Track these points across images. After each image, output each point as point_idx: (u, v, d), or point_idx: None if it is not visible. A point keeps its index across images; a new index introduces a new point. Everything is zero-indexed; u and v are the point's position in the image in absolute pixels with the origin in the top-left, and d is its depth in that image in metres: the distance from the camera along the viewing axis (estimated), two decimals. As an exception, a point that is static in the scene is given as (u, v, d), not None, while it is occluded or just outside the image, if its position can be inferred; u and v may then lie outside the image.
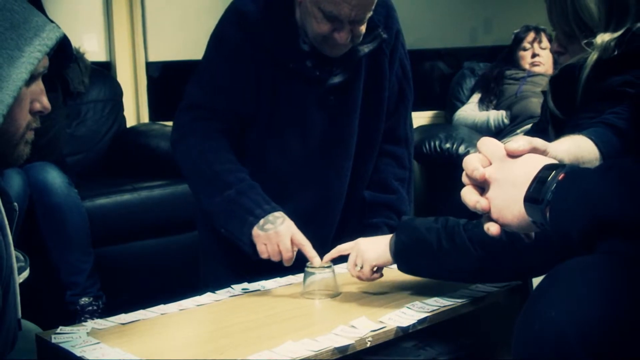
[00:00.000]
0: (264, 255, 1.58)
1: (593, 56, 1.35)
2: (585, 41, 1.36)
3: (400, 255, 1.45)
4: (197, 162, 1.71)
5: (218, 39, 1.76)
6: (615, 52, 1.33)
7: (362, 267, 1.50)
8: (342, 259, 1.56)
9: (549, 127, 1.46)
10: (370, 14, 1.62)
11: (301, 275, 1.65)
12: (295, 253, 1.58)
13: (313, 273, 1.51)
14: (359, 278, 1.51)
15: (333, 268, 1.52)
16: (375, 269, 1.50)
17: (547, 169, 0.88)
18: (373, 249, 1.49)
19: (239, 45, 1.70)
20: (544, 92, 1.52)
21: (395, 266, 1.54)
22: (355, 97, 1.78)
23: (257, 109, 1.74)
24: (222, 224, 1.66)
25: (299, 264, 1.63)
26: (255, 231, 1.57)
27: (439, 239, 1.39)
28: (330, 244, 1.86)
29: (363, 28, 1.64)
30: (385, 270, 1.54)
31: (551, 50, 1.54)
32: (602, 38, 1.35)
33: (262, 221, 1.57)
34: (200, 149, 1.71)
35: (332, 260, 1.55)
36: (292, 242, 1.56)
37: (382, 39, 1.74)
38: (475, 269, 1.39)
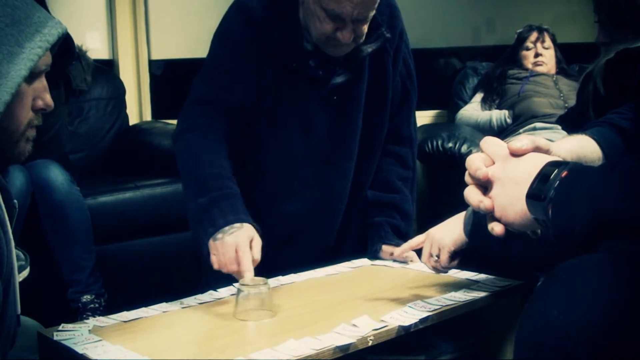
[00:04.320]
0: (215, 266, 1.49)
1: None
2: None
3: (476, 236, 1.40)
4: (189, 161, 1.68)
5: (222, 35, 1.76)
6: None
7: (438, 257, 1.45)
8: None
9: (589, 109, 1.46)
10: (373, 12, 1.61)
11: (303, 273, 1.65)
12: (243, 265, 1.44)
13: (245, 290, 1.36)
14: (435, 270, 1.48)
15: (268, 285, 1.38)
16: (452, 255, 1.46)
17: (551, 165, 0.88)
18: (448, 234, 1.45)
19: (243, 42, 1.70)
20: (588, 75, 1.51)
21: (399, 265, 1.54)
22: (359, 97, 1.78)
23: (260, 108, 1.74)
24: (192, 230, 1.61)
25: (302, 262, 1.63)
26: (210, 241, 1.50)
27: None
28: (333, 244, 1.86)
29: (366, 27, 1.64)
30: (387, 269, 1.54)
31: (598, 42, 1.52)
32: None
33: (218, 231, 1.50)
34: (196, 148, 1.68)
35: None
36: (237, 253, 1.45)
37: (386, 39, 1.73)
38: (550, 261, 1.35)
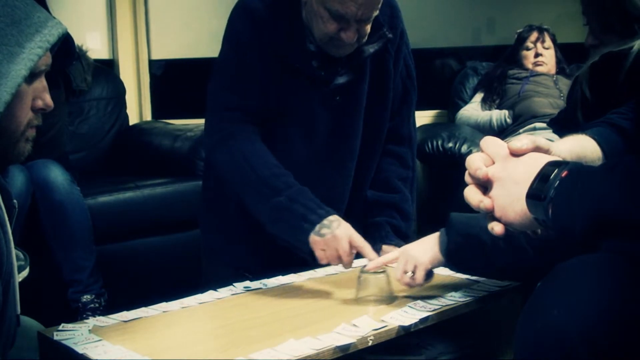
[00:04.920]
0: (323, 261, 1.54)
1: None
2: (638, 25, 1.37)
3: (453, 255, 1.41)
4: (242, 166, 1.67)
5: (232, 39, 1.75)
6: None
7: (413, 273, 1.44)
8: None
9: (578, 112, 1.47)
10: (376, 13, 1.61)
11: (304, 273, 1.66)
12: (353, 255, 1.54)
13: (367, 278, 1.46)
14: (409, 285, 1.46)
15: (388, 272, 1.47)
16: (427, 273, 1.44)
17: (551, 165, 0.88)
18: (425, 252, 1.44)
19: (252, 43, 1.69)
20: (576, 78, 1.53)
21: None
22: (360, 97, 1.78)
23: (265, 108, 1.73)
24: (274, 231, 1.62)
25: (302, 262, 1.63)
26: (313, 237, 1.53)
27: (494, 238, 1.36)
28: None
29: (369, 27, 1.64)
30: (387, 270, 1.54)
31: (586, 44, 1.53)
32: None
33: (317, 227, 1.53)
34: (244, 153, 1.67)
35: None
36: (350, 245, 1.52)
37: (387, 39, 1.74)
38: (531, 271, 1.37)
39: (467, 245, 1.39)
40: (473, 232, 1.37)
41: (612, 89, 1.38)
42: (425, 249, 1.44)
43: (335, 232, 1.52)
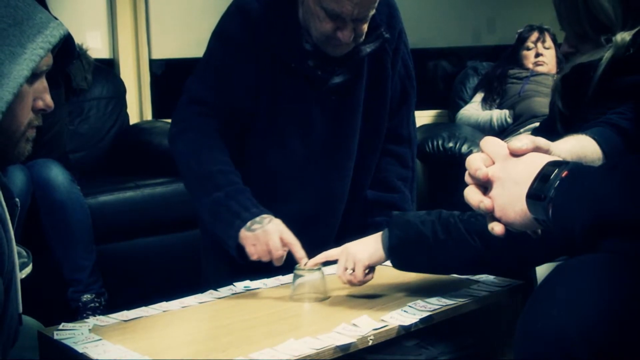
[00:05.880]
0: (253, 257, 1.55)
1: (609, 54, 1.35)
2: (605, 37, 1.37)
3: (395, 251, 1.42)
4: (192, 159, 1.70)
5: (221, 35, 1.76)
6: (631, 51, 1.33)
7: (353, 270, 1.45)
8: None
9: (557, 124, 1.47)
10: (372, 12, 1.61)
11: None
12: (285, 252, 1.55)
13: (302, 275, 1.48)
14: (350, 283, 1.47)
15: (322, 270, 1.49)
16: (367, 270, 1.46)
17: (551, 165, 0.88)
18: (364, 249, 1.45)
19: (242, 43, 1.70)
20: (553, 90, 1.53)
21: (389, 264, 1.54)
22: (357, 97, 1.78)
23: (258, 108, 1.74)
24: (209, 225, 1.66)
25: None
26: (243, 233, 1.55)
27: (434, 231, 1.37)
28: (333, 244, 1.86)
29: (365, 26, 1.64)
30: (385, 269, 1.54)
31: (562, 52, 1.55)
32: (622, 36, 1.34)
33: (249, 223, 1.55)
34: (197, 147, 1.70)
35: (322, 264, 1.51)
36: (281, 241, 1.54)
37: (385, 39, 1.73)
38: (474, 261, 1.38)
39: (409, 241, 1.39)
40: (414, 228, 1.39)
41: (583, 101, 1.38)
42: (365, 246, 1.46)
43: (266, 227, 1.54)
